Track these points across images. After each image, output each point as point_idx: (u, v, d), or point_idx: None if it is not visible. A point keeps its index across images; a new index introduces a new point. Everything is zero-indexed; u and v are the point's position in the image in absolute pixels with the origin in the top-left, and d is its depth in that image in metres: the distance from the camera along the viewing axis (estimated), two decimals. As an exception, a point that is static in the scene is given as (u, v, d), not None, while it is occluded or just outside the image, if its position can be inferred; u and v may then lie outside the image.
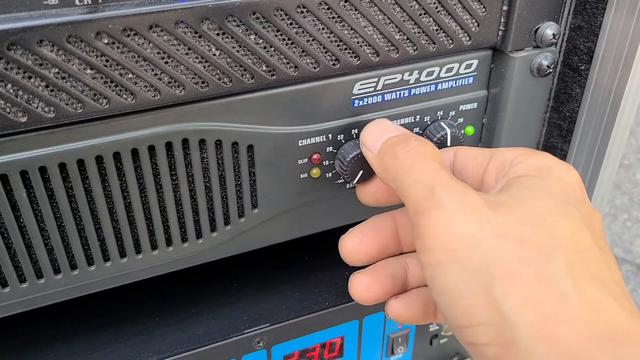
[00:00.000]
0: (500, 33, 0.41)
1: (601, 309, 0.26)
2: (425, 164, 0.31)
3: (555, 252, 0.26)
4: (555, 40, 0.41)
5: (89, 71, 0.32)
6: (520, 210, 0.28)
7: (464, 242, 0.27)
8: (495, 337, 0.26)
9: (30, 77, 0.31)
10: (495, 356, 0.26)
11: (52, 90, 0.31)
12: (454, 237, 0.27)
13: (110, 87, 0.33)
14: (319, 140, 0.41)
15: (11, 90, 0.31)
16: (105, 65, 0.32)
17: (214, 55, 0.34)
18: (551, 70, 0.42)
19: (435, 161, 0.31)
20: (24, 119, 0.32)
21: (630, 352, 0.24)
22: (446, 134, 0.43)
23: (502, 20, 0.41)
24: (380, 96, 0.41)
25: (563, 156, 0.47)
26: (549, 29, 0.41)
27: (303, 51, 0.36)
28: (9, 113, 0.31)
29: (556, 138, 0.47)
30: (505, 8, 0.40)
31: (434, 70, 0.42)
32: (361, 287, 0.37)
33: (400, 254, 0.39)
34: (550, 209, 0.28)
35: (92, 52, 0.31)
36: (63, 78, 0.31)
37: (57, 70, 0.31)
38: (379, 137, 0.35)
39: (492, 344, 0.26)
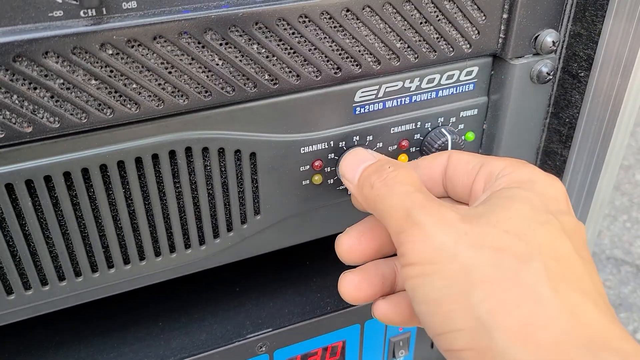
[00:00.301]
0: (500, 40, 0.41)
1: (580, 314, 0.26)
2: (399, 189, 0.32)
3: (532, 258, 0.27)
4: (555, 48, 0.41)
5: (93, 82, 0.32)
6: (498, 219, 0.29)
7: (443, 254, 0.28)
8: (470, 342, 0.27)
9: (35, 88, 0.31)
10: None
11: (57, 101, 0.32)
12: (433, 250, 0.28)
13: (114, 97, 0.33)
14: (320, 148, 0.41)
15: (17, 101, 0.31)
16: (110, 76, 0.32)
17: (217, 65, 0.34)
18: (551, 77, 0.43)
19: (409, 185, 0.32)
20: (30, 129, 0.32)
21: (609, 356, 0.24)
22: (447, 140, 0.43)
23: (502, 28, 0.41)
24: (382, 103, 0.41)
25: (563, 162, 0.47)
26: (548, 37, 0.41)
27: (305, 60, 0.36)
28: (15, 123, 0.31)
29: (556, 144, 0.47)
30: (505, 16, 0.40)
31: (434, 78, 0.42)
32: (351, 286, 0.37)
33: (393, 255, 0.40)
34: (528, 217, 0.29)
35: (97, 63, 0.32)
36: (68, 89, 0.32)
37: (62, 81, 0.31)
38: (355, 168, 0.36)
39: (469, 349, 0.27)
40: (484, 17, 0.40)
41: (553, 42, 0.41)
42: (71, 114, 0.32)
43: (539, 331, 0.25)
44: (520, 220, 0.29)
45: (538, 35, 0.41)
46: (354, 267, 0.38)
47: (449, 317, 0.27)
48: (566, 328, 0.25)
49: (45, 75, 0.31)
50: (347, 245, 0.37)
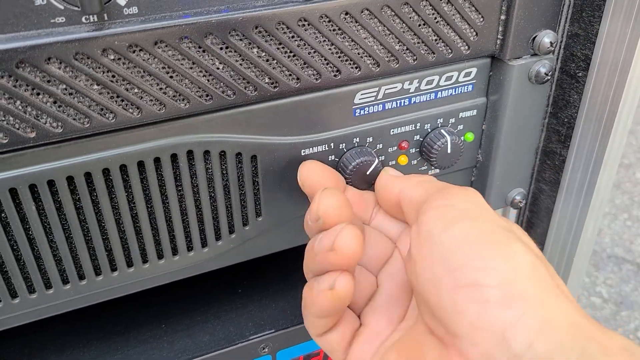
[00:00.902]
0: (498, 42, 0.42)
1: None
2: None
3: (546, 263, 0.31)
4: (552, 48, 0.42)
5: (95, 87, 0.32)
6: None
7: (490, 213, 0.32)
8: (503, 283, 0.28)
9: (38, 94, 0.31)
10: (497, 300, 0.27)
11: (59, 106, 0.32)
12: (482, 207, 0.33)
13: (116, 101, 0.33)
14: (321, 150, 0.41)
15: (20, 107, 0.31)
16: (112, 81, 0.33)
17: (218, 69, 0.35)
18: (549, 77, 0.43)
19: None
20: (33, 134, 0.32)
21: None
22: (446, 141, 0.43)
23: (500, 29, 0.41)
24: (381, 105, 0.42)
25: (562, 161, 0.47)
26: (546, 37, 0.41)
27: (305, 63, 0.37)
28: (18, 129, 0.32)
29: (555, 143, 0.48)
30: (503, 17, 0.41)
31: (433, 79, 0.42)
32: (359, 237, 0.34)
33: None
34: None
35: (99, 68, 0.32)
36: (70, 94, 0.32)
37: (64, 86, 0.32)
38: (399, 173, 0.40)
39: (498, 288, 0.28)
40: (481, 19, 0.40)
41: (551, 42, 0.42)
42: (74, 119, 0.33)
43: (565, 298, 0.28)
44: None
45: (536, 36, 0.42)
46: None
47: (488, 254, 0.29)
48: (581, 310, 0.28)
49: (48, 81, 0.31)
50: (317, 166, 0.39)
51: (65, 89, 0.32)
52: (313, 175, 0.39)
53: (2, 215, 0.35)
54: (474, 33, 0.41)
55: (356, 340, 0.37)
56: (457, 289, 0.28)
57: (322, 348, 0.38)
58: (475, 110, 0.45)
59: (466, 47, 0.41)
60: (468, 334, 0.27)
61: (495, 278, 0.28)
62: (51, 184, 0.35)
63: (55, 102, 0.32)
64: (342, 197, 0.35)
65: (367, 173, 0.41)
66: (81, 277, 0.39)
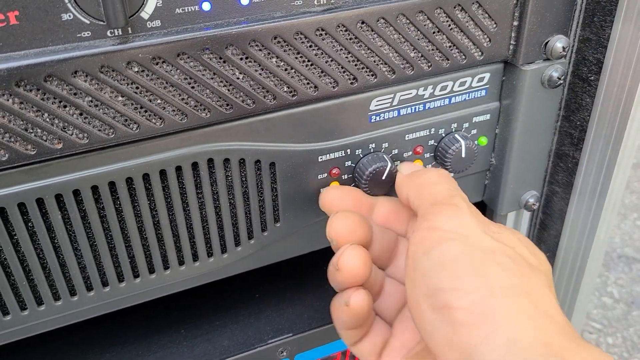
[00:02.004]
0: (511, 47, 0.42)
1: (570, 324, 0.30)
2: (450, 182, 0.37)
3: (541, 273, 0.32)
4: (565, 53, 0.42)
5: (120, 98, 0.33)
6: (519, 237, 0.35)
7: (472, 232, 0.32)
8: (473, 305, 0.29)
9: (65, 106, 0.32)
10: (467, 322, 0.29)
11: (85, 118, 0.33)
12: (463, 226, 0.33)
13: (140, 112, 0.34)
14: (338, 156, 0.42)
15: (48, 119, 0.32)
16: (136, 92, 0.33)
17: (238, 78, 0.35)
18: (561, 81, 0.43)
19: (455, 183, 0.37)
20: (60, 146, 0.33)
21: None
22: (461, 145, 0.44)
23: (513, 35, 0.42)
24: (396, 111, 0.42)
25: (575, 164, 0.48)
26: (558, 42, 0.42)
27: (322, 72, 0.37)
28: (46, 140, 0.33)
29: (567, 146, 0.48)
30: (515, 23, 0.41)
31: (447, 85, 0.43)
32: (360, 256, 0.37)
33: None
34: (536, 248, 0.36)
35: (123, 80, 0.33)
36: (96, 106, 0.33)
37: (90, 98, 0.33)
38: (413, 166, 0.41)
39: (466, 309, 0.29)
40: (494, 25, 0.41)
41: (563, 47, 0.42)
42: (99, 130, 0.34)
43: (542, 316, 0.28)
44: (534, 248, 0.35)
45: (548, 41, 0.42)
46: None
47: (460, 277, 0.30)
48: (564, 323, 0.29)
49: (75, 94, 0.32)
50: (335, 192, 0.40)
51: (91, 101, 0.33)
52: (331, 200, 0.40)
53: (29, 224, 0.35)
54: (487, 39, 0.41)
55: (386, 349, 0.38)
56: (434, 311, 0.30)
57: (356, 356, 0.39)
58: (488, 115, 0.46)
59: (480, 53, 0.42)
60: (442, 353, 0.29)
61: (466, 300, 0.29)
62: (76, 193, 0.36)
63: (81, 114, 0.33)
64: (354, 218, 0.37)
65: (383, 178, 0.42)
66: (105, 284, 0.40)
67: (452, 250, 0.31)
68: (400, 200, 0.40)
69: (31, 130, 0.32)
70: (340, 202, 0.40)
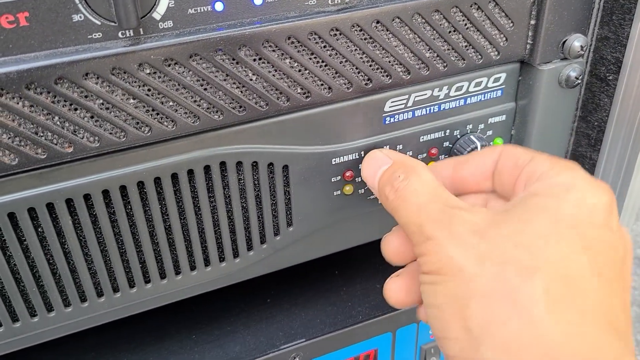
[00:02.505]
0: (528, 46, 0.41)
1: (575, 334, 0.25)
2: (411, 202, 0.32)
3: (535, 275, 0.26)
4: (583, 52, 0.41)
5: (131, 101, 0.33)
6: (511, 230, 0.28)
7: (451, 266, 0.29)
8: (460, 352, 0.28)
9: (76, 109, 0.32)
10: None
11: (96, 121, 0.32)
12: (442, 262, 0.29)
13: (151, 115, 0.33)
14: (351, 158, 0.41)
15: (58, 122, 0.31)
16: (147, 95, 0.33)
17: (251, 80, 0.35)
18: (579, 81, 0.43)
19: (422, 195, 0.32)
20: (70, 149, 0.32)
21: None
22: (476, 147, 0.43)
23: (530, 34, 0.41)
24: (411, 112, 0.42)
25: (592, 165, 0.47)
26: (576, 41, 0.41)
27: (336, 72, 0.37)
28: (56, 144, 0.32)
29: (585, 147, 0.47)
30: (532, 22, 0.40)
31: (463, 85, 0.42)
32: (401, 292, 0.36)
33: None
34: (544, 232, 0.28)
35: (135, 82, 0.32)
36: (107, 109, 0.32)
37: (101, 101, 0.32)
38: (374, 175, 0.37)
39: (459, 358, 0.28)
40: (511, 24, 0.40)
41: (581, 46, 0.41)
42: (110, 133, 0.33)
43: (525, 349, 0.25)
44: (533, 235, 0.28)
45: (566, 40, 0.41)
46: (393, 270, 0.38)
47: (447, 324, 0.28)
48: (555, 347, 0.25)
49: (86, 96, 0.31)
50: (395, 245, 0.36)
51: (102, 104, 0.32)
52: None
53: (39, 230, 0.35)
54: (504, 38, 0.40)
55: None
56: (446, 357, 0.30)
57: None
58: (504, 116, 0.45)
59: (496, 53, 0.41)
60: None
61: (454, 349, 0.28)
62: (87, 198, 0.35)
63: (92, 117, 0.32)
64: (399, 240, 0.36)
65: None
66: (115, 289, 0.39)
67: (436, 298, 0.29)
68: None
69: (41, 134, 0.31)
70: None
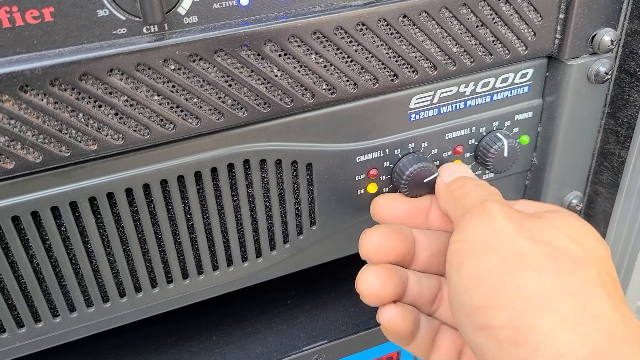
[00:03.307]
0: (556, 41, 0.41)
1: (631, 320, 0.27)
2: (486, 189, 0.35)
3: (588, 265, 0.28)
4: (613, 47, 0.40)
5: (156, 97, 0.32)
6: (560, 224, 0.31)
7: (503, 238, 0.30)
8: (512, 320, 0.27)
9: (100, 106, 0.31)
10: (509, 339, 0.27)
11: (121, 118, 0.32)
12: (494, 233, 0.30)
13: (176, 112, 0.33)
14: (376, 156, 0.40)
15: (82, 119, 0.31)
16: (172, 91, 0.32)
17: (276, 76, 0.34)
18: (609, 76, 0.41)
19: (494, 191, 0.35)
20: (94, 147, 0.32)
21: None
22: (503, 144, 0.42)
23: (559, 28, 0.40)
24: (437, 109, 0.41)
25: (621, 162, 0.46)
26: (606, 35, 0.40)
27: (362, 68, 0.36)
28: (80, 141, 0.31)
29: (613, 144, 0.46)
30: (562, 16, 0.40)
31: (489, 81, 0.41)
32: (378, 282, 0.35)
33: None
34: (587, 232, 0.31)
35: (160, 78, 0.32)
36: (131, 105, 0.32)
37: (125, 98, 0.31)
38: (454, 172, 0.38)
39: (508, 327, 0.27)
40: (540, 18, 0.39)
41: (611, 41, 0.40)
42: (134, 131, 0.32)
43: (589, 321, 0.26)
44: (580, 232, 0.31)
45: (595, 35, 0.40)
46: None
47: (495, 292, 0.28)
48: (617, 324, 0.26)
49: (110, 93, 0.31)
50: (378, 240, 0.36)
51: (127, 101, 0.31)
52: (382, 210, 0.39)
53: (62, 229, 0.34)
54: (532, 33, 0.40)
55: (438, 337, 0.37)
56: (476, 332, 0.29)
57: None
58: (531, 112, 0.44)
59: (524, 48, 0.40)
60: None
61: (504, 317, 0.27)
62: (110, 196, 0.34)
63: (116, 114, 0.32)
64: (382, 235, 0.36)
65: (425, 181, 0.40)
66: (137, 289, 0.39)
67: (483, 265, 0.29)
68: (441, 210, 0.39)
69: (65, 131, 0.31)
70: (390, 210, 0.39)
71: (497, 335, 0.27)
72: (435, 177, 0.39)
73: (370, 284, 0.35)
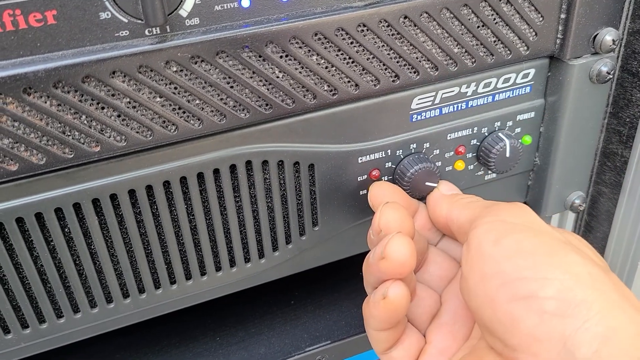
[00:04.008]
0: (558, 41, 0.41)
1: None
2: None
3: (612, 273, 0.30)
4: (615, 46, 0.40)
5: (158, 99, 0.32)
6: (579, 239, 0.33)
7: (543, 226, 0.31)
8: (561, 293, 0.27)
9: (103, 108, 0.31)
10: (555, 311, 0.27)
11: (123, 120, 0.32)
12: (533, 220, 0.32)
13: (178, 113, 0.33)
14: (378, 157, 0.40)
15: (85, 121, 0.31)
16: (174, 93, 0.32)
17: (278, 77, 0.34)
18: (611, 76, 0.41)
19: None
20: (97, 149, 0.32)
21: None
22: (505, 144, 0.42)
23: (560, 28, 0.40)
24: (438, 110, 0.41)
25: (624, 162, 0.46)
26: (608, 35, 0.40)
27: (364, 69, 0.36)
28: (84, 143, 0.32)
29: (616, 144, 0.46)
30: (563, 16, 0.40)
31: (491, 82, 0.41)
32: (409, 250, 0.32)
33: None
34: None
35: (162, 80, 0.32)
36: (134, 107, 0.32)
37: (128, 100, 0.32)
38: (454, 189, 0.40)
39: (556, 299, 0.27)
40: (541, 18, 0.39)
41: (613, 40, 0.40)
42: (137, 132, 0.33)
43: (632, 309, 0.26)
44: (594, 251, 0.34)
45: (597, 34, 0.40)
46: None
47: (543, 265, 0.28)
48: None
49: (113, 95, 0.31)
50: (400, 215, 0.35)
51: (129, 102, 0.32)
52: (382, 194, 0.39)
53: (66, 230, 0.35)
54: (534, 33, 0.40)
55: (422, 357, 0.36)
56: (513, 302, 0.28)
57: None
58: (533, 113, 0.44)
59: (525, 48, 0.40)
60: (528, 346, 0.27)
61: (552, 288, 0.27)
62: (113, 197, 0.35)
63: (119, 116, 0.32)
64: (404, 211, 0.35)
65: (426, 184, 0.40)
66: (141, 290, 0.39)
67: (528, 240, 0.29)
68: (432, 216, 0.39)
69: (69, 133, 0.31)
70: (390, 198, 0.38)
71: (541, 306, 0.27)
72: (433, 188, 0.40)
73: (403, 252, 0.32)
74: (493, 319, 0.29)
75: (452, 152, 0.43)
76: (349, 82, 0.36)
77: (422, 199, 0.41)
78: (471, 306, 0.31)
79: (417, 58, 0.37)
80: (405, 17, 0.35)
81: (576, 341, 0.25)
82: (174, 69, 0.32)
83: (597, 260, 0.31)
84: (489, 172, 0.45)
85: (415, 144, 0.41)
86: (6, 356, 0.37)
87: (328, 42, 0.34)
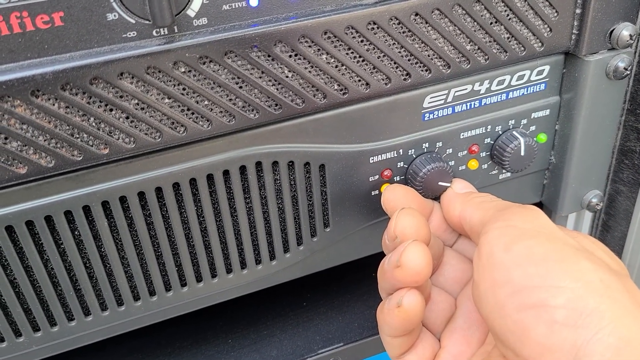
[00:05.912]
0: (573, 37, 0.40)
1: None
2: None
3: (626, 277, 0.29)
4: (632, 41, 0.39)
5: (166, 100, 0.32)
6: (592, 241, 0.32)
7: (554, 231, 0.30)
8: (572, 302, 0.27)
9: (111, 110, 0.31)
10: (565, 320, 0.26)
11: (132, 122, 0.32)
12: (545, 226, 0.31)
13: (187, 114, 0.33)
14: (390, 157, 0.40)
15: (94, 123, 0.31)
16: (182, 94, 0.32)
17: (287, 77, 0.34)
18: (628, 72, 0.41)
19: None
20: (106, 151, 0.32)
21: None
22: (519, 143, 0.41)
23: (576, 23, 0.39)
24: (451, 108, 0.40)
25: (642, 160, 0.45)
26: (625, 30, 0.39)
27: (374, 68, 0.36)
28: (92, 146, 0.31)
29: (633, 142, 0.45)
30: (578, 11, 0.39)
31: (504, 79, 0.40)
32: (426, 259, 0.32)
33: None
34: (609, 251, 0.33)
35: (170, 81, 0.32)
36: (142, 109, 0.32)
37: (136, 101, 0.31)
38: (468, 187, 0.39)
39: (566, 308, 0.26)
40: (556, 14, 0.38)
41: (630, 35, 0.39)
42: (145, 134, 0.32)
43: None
44: (607, 251, 0.33)
45: (614, 29, 0.39)
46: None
47: (554, 273, 0.27)
48: None
49: (121, 96, 0.31)
50: (417, 220, 0.34)
51: (137, 104, 0.31)
52: (396, 199, 0.38)
53: (76, 233, 0.34)
54: (548, 29, 0.39)
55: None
56: (523, 311, 0.27)
57: None
58: (548, 110, 0.43)
59: (540, 44, 0.39)
60: (538, 356, 0.27)
61: (563, 297, 0.27)
62: (123, 200, 0.34)
63: (127, 118, 0.32)
64: (420, 217, 0.34)
65: (439, 183, 0.39)
66: (152, 293, 0.39)
67: (539, 246, 0.29)
68: (447, 216, 0.38)
69: (77, 136, 0.31)
70: (405, 201, 0.38)
71: (552, 315, 0.26)
72: (447, 187, 0.39)
73: (419, 261, 0.32)
74: (504, 328, 0.28)
75: (466, 151, 0.42)
76: (359, 81, 0.36)
77: (436, 198, 0.40)
78: (482, 313, 0.30)
79: (428, 56, 0.37)
80: (417, 14, 0.35)
81: (588, 352, 0.25)
82: (182, 69, 0.31)
83: (612, 264, 0.30)
84: (504, 171, 0.44)
85: (427, 143, 0.40)
86: (18, 359, 0.37)
87: (338, 40, 0.34)
